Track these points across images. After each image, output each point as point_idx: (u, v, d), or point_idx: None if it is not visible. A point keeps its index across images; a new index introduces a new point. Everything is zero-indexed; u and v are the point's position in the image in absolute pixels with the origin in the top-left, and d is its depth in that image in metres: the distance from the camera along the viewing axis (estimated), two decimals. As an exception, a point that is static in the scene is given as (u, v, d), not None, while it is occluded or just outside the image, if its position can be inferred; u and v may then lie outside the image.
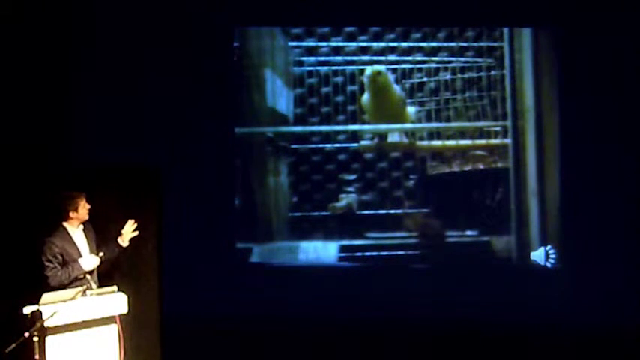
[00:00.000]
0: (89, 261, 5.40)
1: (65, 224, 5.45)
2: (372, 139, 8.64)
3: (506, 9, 8.05)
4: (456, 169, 8.59)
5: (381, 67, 8.52)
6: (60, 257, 5.33)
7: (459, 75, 8.58)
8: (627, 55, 7.81)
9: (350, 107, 8.62)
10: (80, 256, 5.42)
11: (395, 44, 8.53)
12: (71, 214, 5.43)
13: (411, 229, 8.49)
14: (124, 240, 5.59)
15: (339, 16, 8.19)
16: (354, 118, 8.59)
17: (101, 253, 5.47)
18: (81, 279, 5.35)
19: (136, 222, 5.63)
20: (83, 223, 5.56)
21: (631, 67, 7.81)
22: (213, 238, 7.99)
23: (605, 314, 7.51)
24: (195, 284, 7.76)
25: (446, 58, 8.57)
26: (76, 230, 5.49)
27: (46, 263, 5.29)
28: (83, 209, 5.46)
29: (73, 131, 7.63)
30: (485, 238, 8.41)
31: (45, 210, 5.59)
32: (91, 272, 5.43)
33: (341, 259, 8.44)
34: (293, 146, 8.57)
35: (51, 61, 7.48)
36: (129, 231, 5.60)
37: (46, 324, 4.86)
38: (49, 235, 5.37)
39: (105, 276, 5.60)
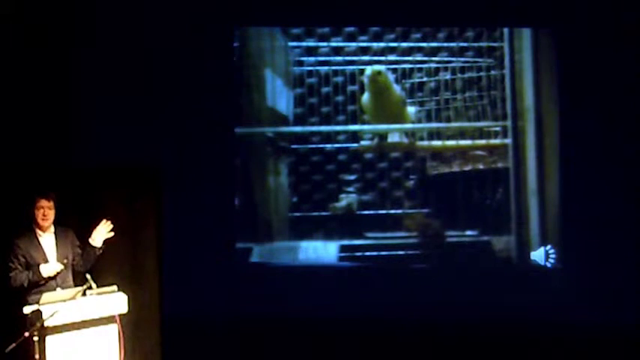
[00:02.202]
0: (49, 267, 5.34)
1: (34, 227, 5.42)
2: (372, 139, 8.63)
3: (506, 9, 8.05)
4: (456, 169, 8.58)
5: (381, 67, 8.51)
6: (23, 259, 5.30)
7: (459, 75, 8.58)
8: (627, 55, 7.81)
9: (350, 107, 8.62)
10: (45, 261, 5.36)
11: (395, 44, 8.53)
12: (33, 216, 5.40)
13: (411, 229, 8.49)
14: (94, 239, 5.48)
15: (339, 16, 8.18)
16: (354, 118, 8.59)
17: (65, 260, 5.40)
18: (42, 284, 5.31)
19: (111, 222, 5.50)
20: (57, 228, 5.50)
21: (631, 67, 7.81)
22: (213, 238, 7.99)
23: (605, 314, 7.51)
24: (195, 284, 7.76)
25: (446, 58, 8.56)
26: (44, 234, 5.43)
27: (9, 264, 5.28)
28: (37, 210, 5.38)
29: (74, 131, 7.63)
30: (485, 238, 8.41)
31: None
32: (53, 277, 5.37)
33: (341, 259, 8.43)
34: (293, 146, 8.57)
35: (51, 61, 7.48)
36: (103, 231, 5.50)
37: (46, 324, 4.86)
38: (16, 237, 5.36)
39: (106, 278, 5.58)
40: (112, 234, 5.52)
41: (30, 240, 5.37)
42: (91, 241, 5.48)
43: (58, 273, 5.34)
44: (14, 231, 5.42)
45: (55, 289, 5.25)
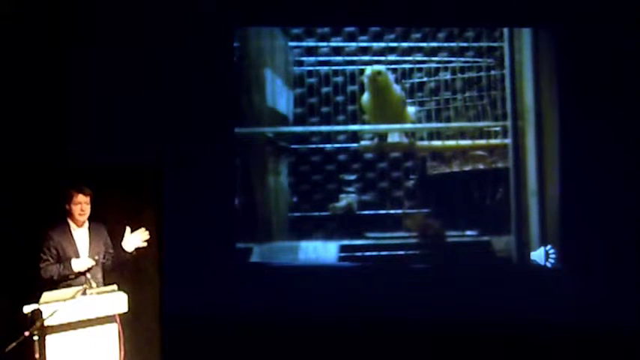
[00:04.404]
0: (81, 262, 5.37)
1: (69, 221, 5.44)
2: (372, 139, 8.64)
3: (506, 9, 8.05)
4: (456, 169, 8.59)
5: (381, 67, 8.52)
6: (55, 252, 5.33)
7: (459, 75, 8.58)
8: (627, 54, 7.81)
9: (350, 107, 8.62)
10: (77, 255, 5.39)
11: (395, 44, 8.53)
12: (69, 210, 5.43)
13: (411, 229, 8.49)
14: (126, 244, 5.52)
15: (339, 16, 8.18)
16: (354, 118, 8.59)
17: (96, 257, 5.43)
18: (72, 278, 5.33)
19: (146, 230, 5.56)
20: (91, 224, 5.52)
21: (631, 67, 7.81)
22: (213, 238, 7.98)
23: (606, 314, 7.50)
24: (195, 284, 7.75)
25: (446, 58, 8.57)
26: (78, 229, 5.47)
27: (41, 255, 5.31)
28: (75, 205, 5.42)
29: (73, 130, 7.63)
30: (485, 238, 8.40)
31: (46, 207, 5.58)
32: (83, 273, 5.39)
33: (341, 259, 8.43)
34: (293, 146, 8.57)
35: (51, 60, 7.48)
36: (138, 238, 5.54)
37: (46, 323, 4.86)
38: (50, 229, 5.38)
39: (107, 277, 5.58)
40: (146, 244, 5.56)
41: (64, 233, 5.41)
42: (123, 244, 5.52)
43: (89, 269, 5.37)
44: (46, 224, 5.44)
45: (83, 284, 5.27)
